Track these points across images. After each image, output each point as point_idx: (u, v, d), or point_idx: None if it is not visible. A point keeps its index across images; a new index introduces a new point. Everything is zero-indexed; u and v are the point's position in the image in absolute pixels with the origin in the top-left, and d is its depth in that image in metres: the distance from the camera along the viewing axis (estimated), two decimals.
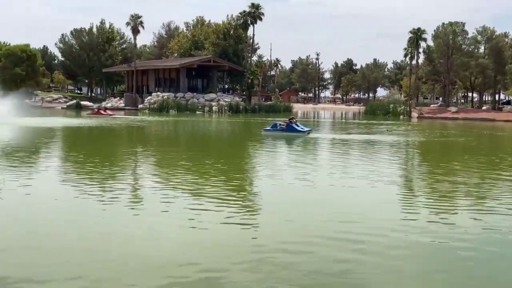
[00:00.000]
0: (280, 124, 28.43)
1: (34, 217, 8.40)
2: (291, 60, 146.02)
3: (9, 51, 75.00)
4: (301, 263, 6.21)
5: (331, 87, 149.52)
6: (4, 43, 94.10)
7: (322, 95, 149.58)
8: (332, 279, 5.78)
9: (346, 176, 13.42)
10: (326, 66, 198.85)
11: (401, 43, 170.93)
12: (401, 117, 59.91)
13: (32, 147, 19.81)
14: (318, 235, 7.42)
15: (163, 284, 5.49)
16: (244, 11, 70.90)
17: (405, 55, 71.34)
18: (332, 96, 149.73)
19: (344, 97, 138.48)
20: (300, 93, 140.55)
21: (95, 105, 65.39)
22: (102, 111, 49.80)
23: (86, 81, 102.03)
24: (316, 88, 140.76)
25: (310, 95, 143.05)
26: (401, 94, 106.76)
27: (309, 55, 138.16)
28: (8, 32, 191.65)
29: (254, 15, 70.64)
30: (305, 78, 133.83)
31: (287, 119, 29.34)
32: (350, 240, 7.20)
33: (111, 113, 50.62)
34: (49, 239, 7.13)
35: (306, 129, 28.84)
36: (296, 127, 28.13)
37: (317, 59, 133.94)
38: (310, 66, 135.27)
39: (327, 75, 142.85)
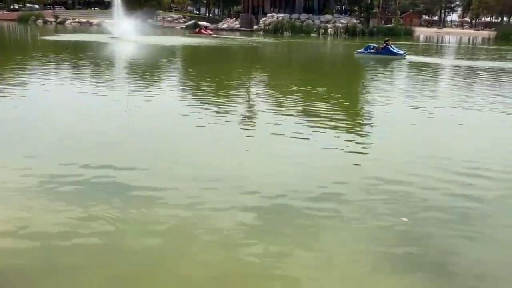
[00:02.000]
0: (374, 46, 27.06)
1: (153, 132, 8.86)
2: None
3: None
4: (413, 195, 5.86)
5: (459, 9, 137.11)
6: None
7: (448, 18, 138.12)
8: (445, 214, 5.39)
9: (465, 106, 12.30)
10: None
11: None
12: None
13: (152, 64, 20.80)
14: (434, 168, 6.95)
15: (267, 205, 5.50)
16: None
17: None
18: (459, 19, 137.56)
19: (473, 21, 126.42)
20: (423, 16, 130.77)
21: (212, 26, 66.74)
22: (203, 31, 51.58)
23: (204, 1, 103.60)
24: (442, 11, 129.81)
25: (435, 18, 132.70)
26: None
27: None
28: None
29: None
30: None
31: (383, 41, 27.85)
32: (468, 181, 6.62)
33: (211, 33, 52.72)
34: (161, 154, 7.47)
35: (402, 52, 27.20)
36: (393, 49, 26.58)
37: None
38: None
39: None
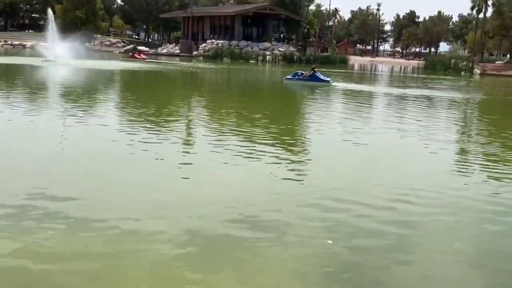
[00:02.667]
0: (302, 73, 28.07)
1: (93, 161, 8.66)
2: (351, 10, 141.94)
3: None
4: (344, 220, 6.07)
5: (391, 40, 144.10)
6: None
7: (381, 48, 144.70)
8: (375, 238, 5.61)
9: (394, 133, 12.95)
10: (387, 17, 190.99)
11: None
12: (462, 73, 57.18)
13: (88, 89, 20.36)
14: (365, 194, 7.23)
15: (208, 226, 5.53)
16: None
17: (472, 8, 66.51)
18: (391, 49, 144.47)
19: (404, 51, 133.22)
20: (358, 45, 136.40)
21: (151, 51, 66.49)
22: (136, 55, 51.77)
23: (144, 26, 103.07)
24: (375, 41, 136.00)
25: (369, 47, 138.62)
26: (464, 50, 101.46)
27: (370, 5, 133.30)
28: None
29: None
30: (364, 29, 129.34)
31: (310, 68, 29.02)
32: (397, 207, 6.94)
33: (145, 57, 53.10)
34: (103, 181, 7.34)
35: (328, 78, 28.37)
36: (319, 76, 27.70)
37: (378, 10, 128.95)
38: (370, 17, 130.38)
39: (387, 27, 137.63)
